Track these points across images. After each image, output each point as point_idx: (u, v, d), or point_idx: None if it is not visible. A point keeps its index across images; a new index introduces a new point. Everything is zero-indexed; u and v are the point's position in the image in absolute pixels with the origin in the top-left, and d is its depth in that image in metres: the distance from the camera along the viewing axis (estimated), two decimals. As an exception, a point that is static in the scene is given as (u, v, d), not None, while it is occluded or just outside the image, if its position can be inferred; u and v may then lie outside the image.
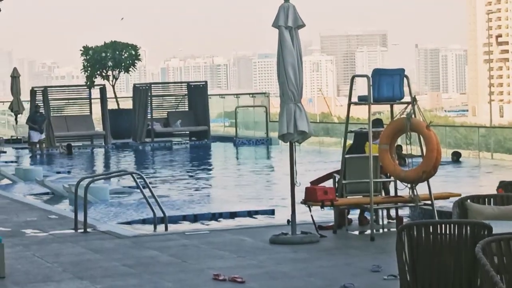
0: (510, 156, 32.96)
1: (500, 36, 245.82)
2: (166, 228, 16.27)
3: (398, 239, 7.83)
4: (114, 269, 12.62)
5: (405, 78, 15.19)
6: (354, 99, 15.94)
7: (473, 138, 36.82)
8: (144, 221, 17.15)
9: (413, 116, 14.63)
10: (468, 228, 7.79)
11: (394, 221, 15.49)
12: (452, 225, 7.91)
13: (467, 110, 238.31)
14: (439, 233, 7.84)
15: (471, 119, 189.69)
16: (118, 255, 13.63)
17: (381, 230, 15.17)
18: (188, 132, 42.15)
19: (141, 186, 17.39)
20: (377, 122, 17.35)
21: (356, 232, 15.26)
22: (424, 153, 14.56)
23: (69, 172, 28.28)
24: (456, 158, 29.95)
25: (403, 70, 15.30)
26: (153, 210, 16.61)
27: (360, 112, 14.05)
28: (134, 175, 18.37)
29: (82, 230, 15.80)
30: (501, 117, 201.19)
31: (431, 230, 7.84)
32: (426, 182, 14.55)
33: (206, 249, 13.96)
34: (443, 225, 7.94)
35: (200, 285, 11.35)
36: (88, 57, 42.51)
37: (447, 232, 7.84)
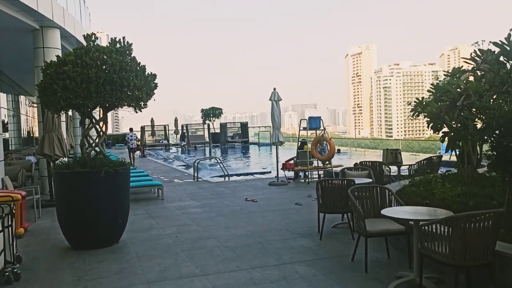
0: (361, 149, 32.28)
1: (359, 103, 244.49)
2: (229, 179, 15.53)
3: (316, 184, 7.16)
4: (207, 195, 12.02)
5: (321, 120, 14.51)
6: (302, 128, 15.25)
7: (348, 142, 36.59)
8: (220, 176, 16.35)
9: (324, 135, 14.00)
10: (345, 181, 7.10)
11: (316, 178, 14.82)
12: (339, 180, 7.22)
13: (346, 132, 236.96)
14: (333, 183, 7.17)
15: (347, 135, 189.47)
16: (209, 190, 13.02)
17: (311, 179, 14.36)
18: (240, 141, 41.49)
19: (220, 162, 16.84)
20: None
21: (302, 181, 14.40)
22: (329, 149, 13.88)
23: (194, 156, 27.57)
24: (338, 151, 29.12)
25: (320, 116, 14.58)
26: (224, 172, 15.97)
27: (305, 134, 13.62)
28: (217, 158, 17.84)
29: (196, 180, 15.17)
30: (358, 134, 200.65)
31: (330, 182, 7.17)
32: (330, 161, 13.89)
33: (243, 187, 13.29)
34: (335, 180, 7.25)
35: (239, 202, 10.77)
36: (203, 112, 42.28)
37: (337, 183, 7.16)
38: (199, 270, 5.74)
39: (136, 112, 7.12)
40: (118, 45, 6.91)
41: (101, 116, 7.04)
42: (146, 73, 7.04)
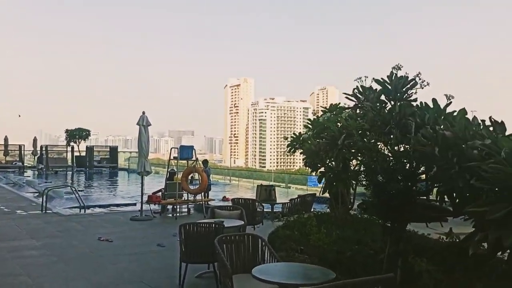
0: (236, 179, 31.84)
1: (236, 133, 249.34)
2: (84, 211, 13.60)
3: (179, 229, 6.05)
4: (52, 233, 10.13)
5: (194, 150, 13.50)
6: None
7: (223, 171, 36.18)
8: (75, 208, 14.16)
9: (196, 165, 13.00)
10: (213, 224, 6.09)
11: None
12: (206, 223, 6.18)
13: (222, 160, 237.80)
14: (200, 226, 6.12)
15: (223, 164, 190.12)
16: (57, 225, 11.08)
17: (180, 214, 13.11)
18: (108, 166, 37.99)
19: (75, 191, 14.69)
20: (206, 161, 15.84)
21: (170, 215, 13.06)
22: (200, 181, 12.89)
23: (50, 182, 24.31)
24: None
25: (193, 146, 13.64)
26: (79, 202, 13.94)
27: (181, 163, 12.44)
28: (71, 187, 15.62)
29: (44, 212, 12.97)
30: (234, 163, 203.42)
31: (195, 226, 6.09)
32: (202, 194, 12.93)
33: (100, 222, 11.59)
34: (202, 224, 6.20)
35: (90, 242, 9.13)
36: (68, 133, 38.40)
37: (203, 226, 6.12)
38: None
39: None
40: None
41: None
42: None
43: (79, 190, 14.98)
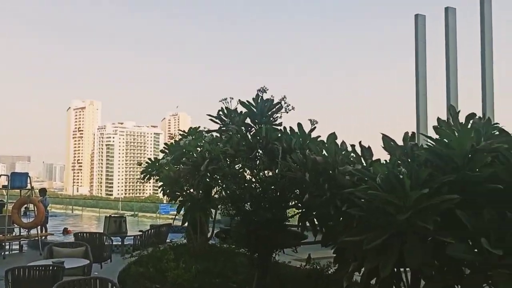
0: (80, 208, 29.03)
1: (80, 159, 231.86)
2: None
3: (5, 274, 4.89)
4: None
5: (29, 177, 11.72)
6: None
7: (64, 201, 32.93)
8: None
9: (31, 195, 11.31)
10: (51, 267, 5.08)
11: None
12: (41, 267, 5.12)
13: (63, 189, 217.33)
14: (34, 270, 5.05)
15: (65, 192, 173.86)
16: None
17: (9, 252, 11.15)
18: None
19: None
20: (43, 190, 13.74)
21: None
22: (36, 213, 11.22)
23: None
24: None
25: (27, 173, 11.80)
26: None
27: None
28: None
29: None
30: (77, 191, 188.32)
31: (27, 270, 5.00)
32: (38, 228, 11.23)
33: None
34: (36, 267, 5.12)
35: None
36: None
37: (39, 269, 5.07)
38: None
39: None
40: None
41: None
42: None
43: None
